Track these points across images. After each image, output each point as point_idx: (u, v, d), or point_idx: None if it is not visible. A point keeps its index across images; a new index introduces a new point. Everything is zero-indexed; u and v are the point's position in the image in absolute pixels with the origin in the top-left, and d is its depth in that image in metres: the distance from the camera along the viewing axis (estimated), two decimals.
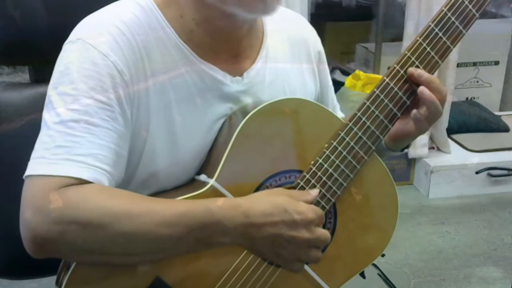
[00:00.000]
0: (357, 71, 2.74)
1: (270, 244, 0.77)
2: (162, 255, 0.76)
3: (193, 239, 0.74)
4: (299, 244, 0.77)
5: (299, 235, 0.76)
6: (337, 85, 2.43)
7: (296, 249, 0.78)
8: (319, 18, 3.56)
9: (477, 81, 2.99)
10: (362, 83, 2.66)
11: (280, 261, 0.80)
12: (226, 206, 0.75)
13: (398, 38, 3.52)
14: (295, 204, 0.77)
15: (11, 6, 1.00)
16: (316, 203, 0.85)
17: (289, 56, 0.95)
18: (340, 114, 1.09)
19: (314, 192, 0.83)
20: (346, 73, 3.07)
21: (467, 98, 3.01)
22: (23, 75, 3.48)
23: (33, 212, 0.69)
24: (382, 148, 0.93)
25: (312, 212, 0.78)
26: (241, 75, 0.88)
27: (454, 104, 2.71)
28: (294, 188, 0.85)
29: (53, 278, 0.81)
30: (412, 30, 2.37)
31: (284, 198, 0.78)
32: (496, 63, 2.98)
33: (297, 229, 0.76)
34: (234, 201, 0.77)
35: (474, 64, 2.94)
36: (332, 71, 3.07)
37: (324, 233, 0.80)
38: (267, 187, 0.84)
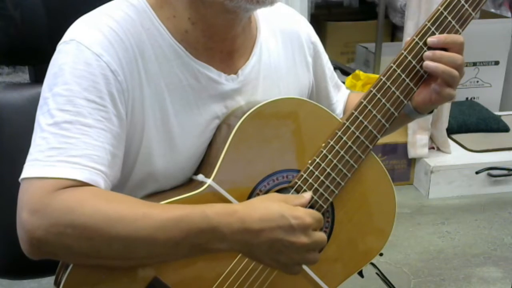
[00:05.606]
0: (357, 71, 2.75)
1: (268, 249, 0.76)
2: (159, 259, 0.76)
3: (189, 244, 0.73)
4: (297, 249, 0.76)
5: (297, 240, 0.76)
6: None
7: (294, 254, 0.77)
8: (319, 18, 3.57)
9: (477, 81, 2.99)
10: (362, 83, 2.67)
11: (278, 266, 0.79)
12: (223, 212, 0.74)
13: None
14: (292, 209, 0.77)
15: (11, 6, 1.00)
16: (314, 202, 0.85)
17: (281, 51, 0.95)
18: (346, 92, 1.10)
19: (307, 195, 0.83)
20: (346, 73, 3.08)
21: (467, 98, 3.01)
22: (23, 75, 3.48)
23: (30, 214, 0.70)
24: (410, 111, 0.93)
25: (309, 216, 0.77)
26: (235, 73, 0.88)
27: (454, 104, 2.70)
28: (291, 187, 0.85)
29: (53, 278, 0.81)
30: (412, 30, 2.37)
31: (281, 203, 0.77)
32: (496, 63, 2.98)
33: (294, 234, 0.75)
34: (231, 207, 0.76)
35: (474, 64, 2.94)
36: None
37: (321, 235, 0.79)
38: (265, 186, 0.84)
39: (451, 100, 0.91)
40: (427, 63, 0.86)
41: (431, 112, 0.96)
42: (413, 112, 0.94)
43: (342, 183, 0.86)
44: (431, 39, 0.86)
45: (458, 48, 0.86)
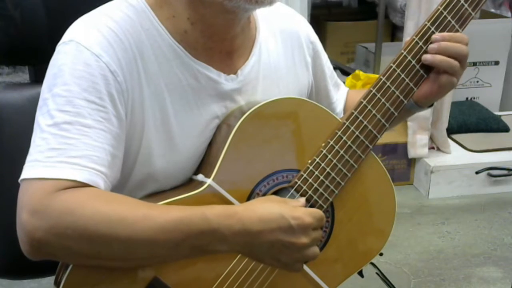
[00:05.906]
0: (357, 71, 2.74)
1: (268, 250, 0.76)
2: (159, 260, 0.76)
3: (189, 246, 0.73)
4: (297, 249, 0.77)
5: (297, 240, 0.76)
6: None
7: (295, 253, 0.77)
8: (319, 18, 3.57)
9: (477, 81, 2.99)
10: (362, 83, 2.67)
11: (280, 266, 0.80)
12: (223, 214, 0.74)
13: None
14: (292, 209, 0.77)
15: (11, 6, 1.00)
16: (314, 202, 0.85)
17: (281, 51, 0.95)
18: (345, 90, 1.10)
19: (302, 199, 0.83)
20: (346, 73, 3.07)
21: (467, 98, 3.00)
22: (23, 75, 3.48)
23: (30, 215, 0.70)
24: (411, 105, 0.93)
25: (309, 216, 0.77)
26: (235, 73, 0.88)
27: (454, 104, 2.70)
28: (291, 187, 0.85)
29: (53, 278, 0.81)
30: (412, 30, 2.37)
31: (281, 204, 0.78)
32: (496, 63, 2.98)
33: (294, 234, 0.76)
34: (231, 209, 0.76)
35: (474, 64, 2.93)
36: None
37: (318, 232, 0.79)
38: (264, 186, 0.84)
39: (453, 88, 0.90)
40: (425, 56, 0.86)
41: (431, 105, 0.96)
42: (414, 106, 0.94)
43: (342, 183, 0.86)
44: (435, 36, 0.86)
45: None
